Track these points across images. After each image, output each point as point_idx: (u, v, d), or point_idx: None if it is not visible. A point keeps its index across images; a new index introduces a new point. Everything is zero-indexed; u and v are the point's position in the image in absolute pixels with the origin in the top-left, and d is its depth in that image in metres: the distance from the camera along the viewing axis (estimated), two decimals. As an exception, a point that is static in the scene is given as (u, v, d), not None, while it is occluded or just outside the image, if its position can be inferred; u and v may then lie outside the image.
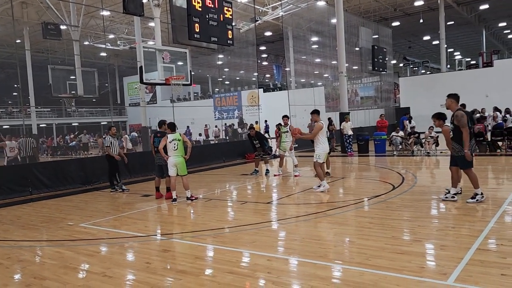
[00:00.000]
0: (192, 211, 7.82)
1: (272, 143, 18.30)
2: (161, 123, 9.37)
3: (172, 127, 8.53)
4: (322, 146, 8.67)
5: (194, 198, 8.53)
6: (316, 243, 5.25)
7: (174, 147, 8.31)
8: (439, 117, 7.54)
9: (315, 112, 9.05)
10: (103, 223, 7.05)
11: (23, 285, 4.38)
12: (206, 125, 30.78)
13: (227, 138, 27.87)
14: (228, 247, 5.23)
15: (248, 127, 12.87)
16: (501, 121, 15.70)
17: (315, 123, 8.87)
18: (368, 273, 4.03)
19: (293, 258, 4.71)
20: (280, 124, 11.88)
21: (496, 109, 17.08)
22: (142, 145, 25.53)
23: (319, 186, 8.75)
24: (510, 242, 4.76)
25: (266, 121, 27.95)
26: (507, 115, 16.28)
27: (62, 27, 21.24)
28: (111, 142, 10.25)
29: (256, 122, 21.75)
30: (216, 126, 29.93)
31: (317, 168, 8.68)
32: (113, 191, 10.36)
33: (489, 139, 14.53)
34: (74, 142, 28.42)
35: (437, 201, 7.30)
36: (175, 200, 8.40)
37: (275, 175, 11.68)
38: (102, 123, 41.67)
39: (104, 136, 12.95)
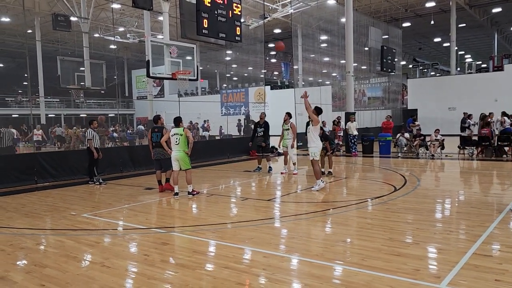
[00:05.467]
0: (193, 206, 7.89)
1: (275, 140, 18.32)
2: (157, 118, 9.54)
3: (176, 122, 8.64)
4: (315, 143, 8.77)
5: (196, 192, 8.60)
6: (313, 242, 5.28)
7: (176, 141, 8.41)
8: None
9: (315, 108, 8.98)
10: (105, 214, 7.15)
11: (24, 272, 4.48)
12: (204, 121, 30.69)
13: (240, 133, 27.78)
14: (226, 243, 5.29)
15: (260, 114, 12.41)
16: (509, 126, 15.55)
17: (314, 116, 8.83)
18: (362, 274, 4.06)
19: (289, 256, 4.75)
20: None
21: (504, 114, 16.91)
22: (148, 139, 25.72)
23: (318, 186, 8.79)
24: (507, 248, 4.76)
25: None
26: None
27: (72, 18, 21.40)
28: (93, 136, 10.43)
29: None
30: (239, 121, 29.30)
31: (315, 166, 8.79)
32: (92, 184, 10.54)
33: (496, 144, 14.44)
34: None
35: (438, 204, 7.29)
36: (176, 194, 8.48)
37: (281, 173, 11.67)
38: (109, 115, 41.90)
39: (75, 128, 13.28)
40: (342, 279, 4.02)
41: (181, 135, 8.44)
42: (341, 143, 17.79)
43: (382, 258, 4.48)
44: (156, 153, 9.11)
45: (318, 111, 8.94)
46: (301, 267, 4.42)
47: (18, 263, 4.78)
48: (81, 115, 41.53)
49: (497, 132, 15.37)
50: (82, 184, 10.63)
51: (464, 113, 17.72)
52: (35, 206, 8.00)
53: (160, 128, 9.22)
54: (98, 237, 5.77)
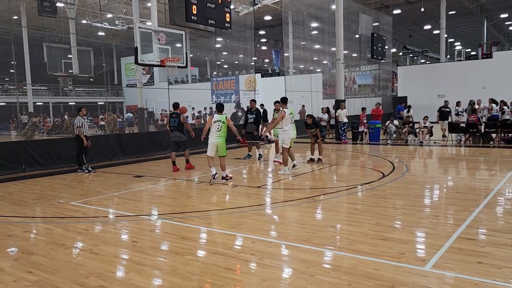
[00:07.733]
0: (183, 193, 7.89)
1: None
2: (176, 104, 10.36)
3: (220, 108, 8.85)
4: (285, 133, 9.24)
5: (229, 177, 8.78)
6: (301, 228, 5.33)
7: (218, 128, 8.58)
8: None
9: (281, 101, 9.64)
10: (94, 202, 7.12)
11: (11, 259, 4.45)
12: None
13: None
14: (215, 229, 5.32)
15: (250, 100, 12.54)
16: (496, 113, 15.70)
17: (282, 110, 9.43)
18: (348, 258, 4.12)
19: (277, 241, 4.79)
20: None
21: (492, 100, 17.07)
22: (138, 127, 25.49)
23: (291, 168, 9.44)
24: (490, 232, 4.86)
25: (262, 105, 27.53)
26: (504, 107, 16.27)
27: (59, 4, 20.95)
28: (82, 123, 10.39)
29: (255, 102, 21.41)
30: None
31: (284, 153, 9.34)
32: (80, 172, 10.48)
33: (483, 131, 14.61)
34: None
35: (425, 190, 7.38)
36: (214, 176, 8.64)
37: (274, 161, 11.64)
38: (99, 103, 41.42)
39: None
40: (329, 263, 4.08)
41: (224, 122, 8.57)
42: (366, 130, 17.12)
43: (368, 242, 4.55)
44: (173, 136, 10.18)
45: (283, 100, 9.60)
46: (288, 252, 4.46)
47: (4, 250, 4.75)
48: (70, 103, 40.96)
49: (484, 119, 15.53)
50: (70, 172, 10.55)
51: (445, 101, 17.81)
52: (23, 194, 7.93)
53: (178, 114, 10.19)
54: (86, 225, 5.76)
